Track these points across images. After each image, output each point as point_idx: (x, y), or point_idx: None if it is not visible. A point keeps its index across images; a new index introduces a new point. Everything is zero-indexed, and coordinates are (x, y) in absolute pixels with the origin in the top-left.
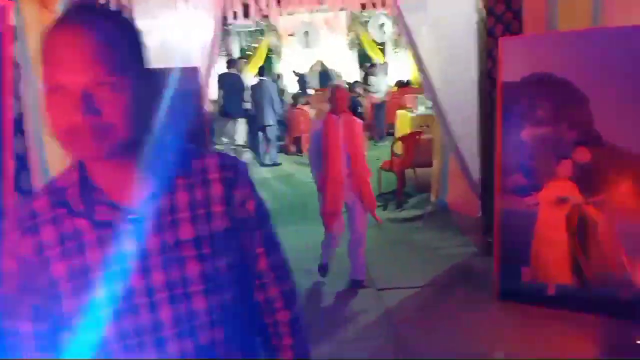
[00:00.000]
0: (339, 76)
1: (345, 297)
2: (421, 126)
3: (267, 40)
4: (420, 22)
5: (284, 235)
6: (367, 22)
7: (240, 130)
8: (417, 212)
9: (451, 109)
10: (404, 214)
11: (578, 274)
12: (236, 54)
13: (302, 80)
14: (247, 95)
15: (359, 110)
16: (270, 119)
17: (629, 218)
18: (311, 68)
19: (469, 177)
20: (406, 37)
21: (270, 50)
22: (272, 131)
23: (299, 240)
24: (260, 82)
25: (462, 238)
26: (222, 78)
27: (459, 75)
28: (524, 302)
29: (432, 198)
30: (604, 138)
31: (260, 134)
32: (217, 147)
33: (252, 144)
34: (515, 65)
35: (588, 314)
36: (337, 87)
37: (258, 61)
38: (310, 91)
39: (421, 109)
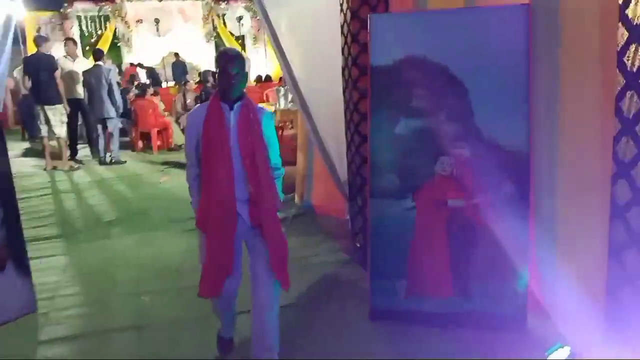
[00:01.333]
0: (197, 69)
1: (192, 327)
2: (284, 121)
3: (113, 26)
4: (282, 11)
5: (124, 245)
6: (225, 14)
7: (56, 119)
8: (281, 216)
9: (316, 102)
10: None
11: (460, 286)
12: (77, 40)
13: (152, 73)
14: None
15: None
16: (110, 111)
17: (511, 222)
18: (164, 59)
19: (335, 176)
20: (266, 25)
21: (117, 38)
22: (114, 125)
23: (141, 251)
24: (96, 68)
25: (331, 243)
26: (27, 60)
27: (323, 65)
28: (402, 321)
29: (297, 199)
30: (485, 133)
31: (99, 127)
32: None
33: (90, 139)
34: (386, 46)
35: (472, 330)
36: (228, 55)
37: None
38: (163, 84)
39: (282, 103)
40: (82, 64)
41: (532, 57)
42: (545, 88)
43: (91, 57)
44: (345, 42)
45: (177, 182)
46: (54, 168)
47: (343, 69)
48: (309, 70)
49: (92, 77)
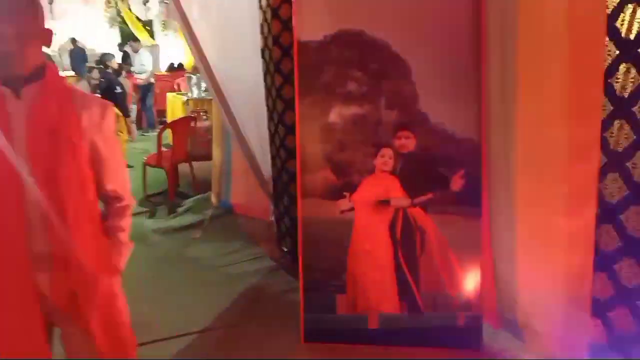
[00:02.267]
0: (108, 58)
1: None
2: (197, 111)
3: None
4: None
5: None
6: None
7: None
8: (196, 218)
9: (233, 89)
10: (178, 221)
11: (407, 299)
12: None
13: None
14: None
15: (117, 91)
16: None
17: (458, 222)
18: (61, 47)
19: (258, 173)
20: (175, 8)
21: None
22: None
23: None
24: None
25: (254, 248)
26: None
27: (241, 49)
28: (340, 341)
29: (214, 199)
30: (432, 119)
31: None
32: None
33: None
34: (315, 19)
35: (420, 347)
36: None
37: None
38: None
39: (195, 92)
40: None
41: (486, 32)
42: (501, 65)
43: None
44: (265, 19)
45: None
46: None
47: (262, 50)
48: (224, 53)
49: None
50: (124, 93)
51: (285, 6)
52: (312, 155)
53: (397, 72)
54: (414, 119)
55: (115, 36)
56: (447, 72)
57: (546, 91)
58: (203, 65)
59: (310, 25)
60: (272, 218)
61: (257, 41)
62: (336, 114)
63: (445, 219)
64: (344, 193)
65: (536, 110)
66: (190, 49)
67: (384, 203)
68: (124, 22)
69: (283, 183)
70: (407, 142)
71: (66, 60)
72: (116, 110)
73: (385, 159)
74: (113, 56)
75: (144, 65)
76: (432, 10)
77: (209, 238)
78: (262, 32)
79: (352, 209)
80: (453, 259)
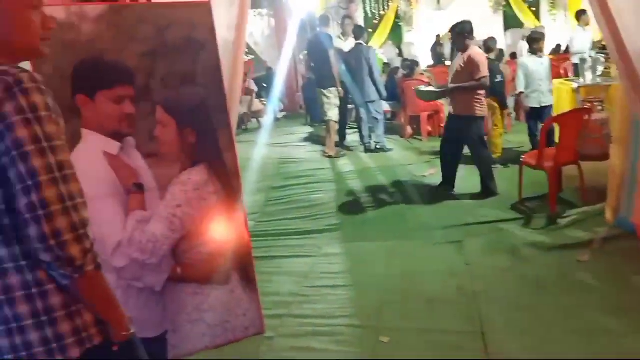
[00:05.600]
0: (492, 43)
1: None
2: (591, 101)
3: (395, 5)
4: None
5: (375, 253)
6: None
7: (329, 103)
8: (582, 235)
9: None
10: (559, 236)
11: None
12: (360, 22)
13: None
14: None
15: (497, 80)
16: (371, 94)
17: None
18: (440, 38)
19: None
20: None
21: (398, 17)
22: (377, 108)
23: (390, 265)
24: (357, 48)
25: None
26: (309, 42)
27: None
28: None
29: (609, 215)
30: None
31: (362, 111)
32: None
33: (358, 124)
34: None
35: None
36: None
37: (384, 30)
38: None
39: (588, 77)
40: (350, 44)
41: None
42: None
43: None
44: None
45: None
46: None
47: None
48: None
49: (352, 58)
50: (503, 82)
51: None
52: None
53: None
54: None
55: (498, 21)
56: None
57: None
58: (615, 42)
59: None
60: None
61: None
62: None
63: None
64: None
65: None
66: (600, 23)
67: None
68: (508, 5)
69: None
70: None
71: (447, 49)
72: (492, 102)
73: None
74: (495, 41)
75: (584, 44)
76: None
77: (601, 265)
78: None
79: None
80: None
